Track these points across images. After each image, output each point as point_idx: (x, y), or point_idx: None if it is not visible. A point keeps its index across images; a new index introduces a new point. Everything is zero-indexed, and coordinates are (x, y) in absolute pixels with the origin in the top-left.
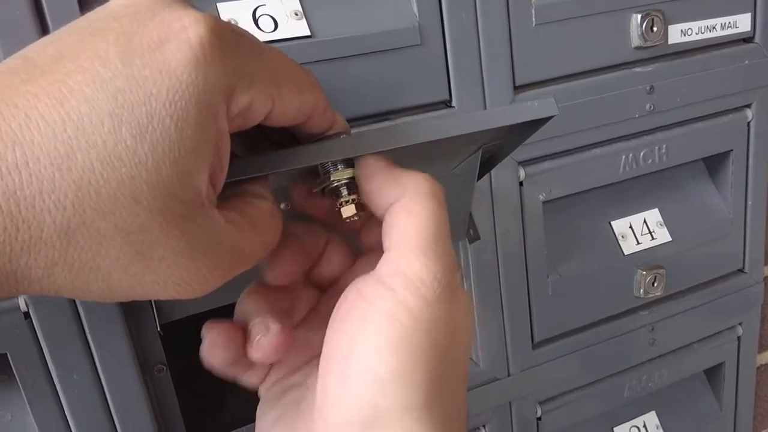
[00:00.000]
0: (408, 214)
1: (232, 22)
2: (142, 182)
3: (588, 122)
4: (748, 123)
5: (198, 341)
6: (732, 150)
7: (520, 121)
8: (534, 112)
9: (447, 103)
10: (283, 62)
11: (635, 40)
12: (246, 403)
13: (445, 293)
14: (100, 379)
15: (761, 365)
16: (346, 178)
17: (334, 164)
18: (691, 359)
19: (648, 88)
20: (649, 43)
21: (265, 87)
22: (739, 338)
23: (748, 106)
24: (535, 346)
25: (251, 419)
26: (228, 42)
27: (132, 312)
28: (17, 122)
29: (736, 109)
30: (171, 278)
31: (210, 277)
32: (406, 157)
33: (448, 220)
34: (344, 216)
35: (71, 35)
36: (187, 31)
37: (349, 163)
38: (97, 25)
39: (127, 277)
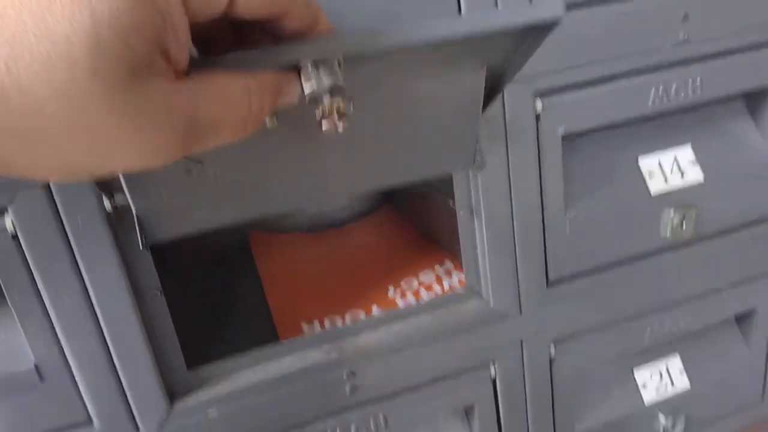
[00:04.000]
0: None
1: None
2: (80, 43)
3: (614, 51)
4: None
5: (195, 270)
6: None
7: (519, 24)
8: (534, 13)
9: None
10: None
11: None
12: (242, 331)
13: None
14: (92, 304)
15: None
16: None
17: (314, 67)
18: (719, 305)
19: (682, 15)
20: None
21: None
22: None
23: None
24: (550, 284)
25: (247, 347)
26: None
27: (123, 236)
28: None
29: None
30: (121, 146)
31: (164, 146)
32: (402, 65)
33: None
34: (324, 129)
35: None
36: None
37: (333, 75)
38: None
39: (77, 147)
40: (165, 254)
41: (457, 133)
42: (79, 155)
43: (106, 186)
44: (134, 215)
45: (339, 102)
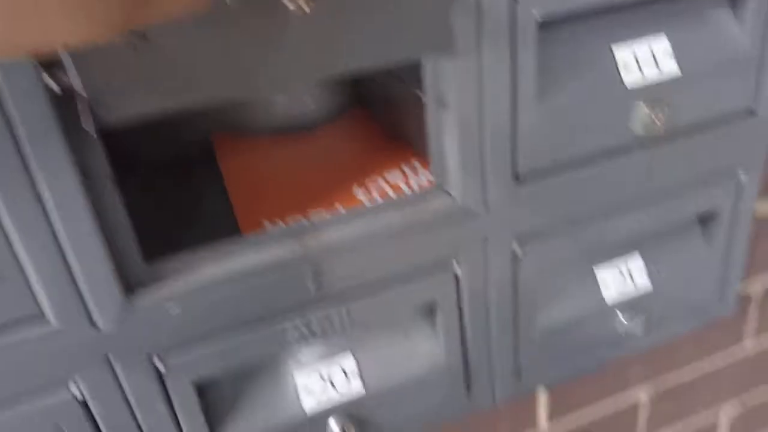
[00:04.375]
0: None
1: None
2: None
3: None
4: None
5: (156, 173)
6: None
7: None
8: None
9: None
10: None
11: None
12: (204, 230)
13: None
14: (39, 191)
15: (760, 216)
16: None
17: None
18: (683, 204)
19: None
20: None
21: None
22: (738, 184)
23: None
24: (519, 181)
25: (210, 239)
26: None
27: (70, 121)
28: None
29: None
30: (60, 15)
31: (105, 13)
32: None
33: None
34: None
35: None
36: None
37: None
38: None
39: (14, 18)
40: (125, 158)
41: (430, 11)
42: (17, 27)
43: (49, 64)
44: (79, 95)
45: None
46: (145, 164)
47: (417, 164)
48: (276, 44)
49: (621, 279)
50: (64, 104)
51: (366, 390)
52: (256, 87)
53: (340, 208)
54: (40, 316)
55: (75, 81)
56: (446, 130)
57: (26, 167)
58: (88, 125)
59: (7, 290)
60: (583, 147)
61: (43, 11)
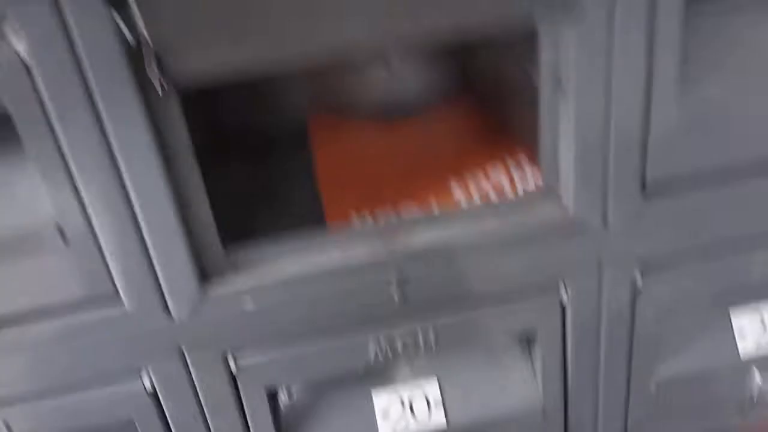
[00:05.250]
0: None
1: None
2: None
3: None
4: None
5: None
6: None
7: None
8: None
9: None
10: None
11: None
12: (288, 216)
13: None
14: (117, 163)
15: None
16: None
17: None
18: None
19: None
20: None
21: None
22: None
23: None
24: (647, 193)
25: (291, 232)
26: None
27: (147, 83)
28: None
29: None
30: None
31: None
32: None
33: None
34: None
35: None
36: None
37: None
38: None
39: None
40: (215, 134)
41: None
42: None
43: (126, 14)
44: (145, 40)
45: None
46: (237, 143)
47: (524, 161)
48: None
49: (761, 329)
50: (140, 64)
51: (448, 424)
52: (328, 45)
53: (434, 206)
54: (115, 296)
55: (143, 30)
56: (562, 122)
57: (101, 127)
58: (154, 78)
59: (81, 262)
60: (728, 156)
61: None
